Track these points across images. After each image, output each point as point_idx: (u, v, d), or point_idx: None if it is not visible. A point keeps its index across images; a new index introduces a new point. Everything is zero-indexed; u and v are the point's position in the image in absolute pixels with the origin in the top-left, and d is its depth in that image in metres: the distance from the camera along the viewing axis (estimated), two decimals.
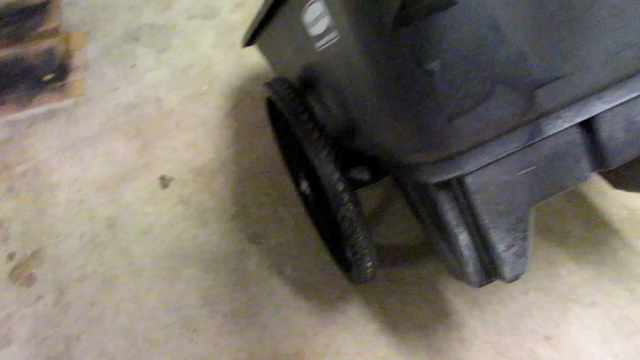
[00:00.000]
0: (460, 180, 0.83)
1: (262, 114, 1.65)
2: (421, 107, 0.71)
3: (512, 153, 0.82)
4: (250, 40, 1.45)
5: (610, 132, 0.85)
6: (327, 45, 0.88)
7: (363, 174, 1.08)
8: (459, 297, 1.26)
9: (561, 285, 1.26)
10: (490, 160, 0.81)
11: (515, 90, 0.73)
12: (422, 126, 0.74)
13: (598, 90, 0.82)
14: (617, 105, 0.84)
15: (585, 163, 0.87)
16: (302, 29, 0.97)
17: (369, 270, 1.07)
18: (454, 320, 1.23)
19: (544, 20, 0.69)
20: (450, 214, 0.86)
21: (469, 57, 0.68)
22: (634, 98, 0.84)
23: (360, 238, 1.01)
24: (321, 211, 1.31)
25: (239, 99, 1.76)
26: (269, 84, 1.12)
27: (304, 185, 1.25)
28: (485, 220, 0.84)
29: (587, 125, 0.85)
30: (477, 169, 0.81)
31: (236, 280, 1.35)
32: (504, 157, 0.82)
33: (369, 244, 1.03)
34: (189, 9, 2.11)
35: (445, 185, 0.84)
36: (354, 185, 1.03)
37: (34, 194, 1.58)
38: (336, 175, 0.97)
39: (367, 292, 1.29)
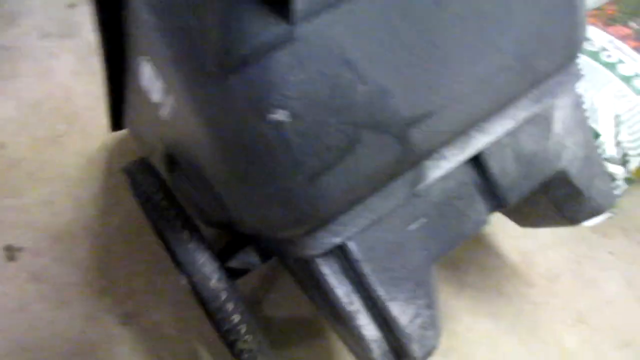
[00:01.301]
0: (343, 248, 0.70)
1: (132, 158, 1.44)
2: (275, 169, 0.59)
3: (398, 207, 0.72)
4: (115, 122, 1.24)
5: (501, 167, 0.78)
6: (169, 111, 0.73)
7: (250, 257, 0.94)
8: None
9: (459, 345, 1.22)
10: (373, 220, 0.70)
11: (385, 133, 0.62)
12: (281, 192, 0.61)
13: (479, 123, 0.73)
14: (502, 137, 0.76)
15: (481, 205, 0.79)
16: (144, 94, 0.80)
17: None
18: None
19: (404, 52, 0.60)
20: (340, 291, 0.73)
21: (323, 101, 0.56)
22: (519, 126, 0.77)
23: (248, 340, 0.87)
24: None
25: (105, 140, 1.52)
26: (127, 170, 0.93)
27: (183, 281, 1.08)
28: (380, 291, 0.72)
29: (476, 163, 0.77)
30: (359, 232, 0.70)
31: None
32: (388, 213, 0.71)
33: (258, 347, 0.89)
34: (42, 25, 1.80)
35: (328, 257, 0.72)
36: (238, 273, 0.90)
37: None
38: (211, 274, 0.81)
39: None
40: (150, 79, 0.71)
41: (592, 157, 0.87)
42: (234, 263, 0.93)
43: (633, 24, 1.48)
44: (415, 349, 0.73)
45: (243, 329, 0.85)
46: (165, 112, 0.74)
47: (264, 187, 0.61)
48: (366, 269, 0.70)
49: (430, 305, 0.75)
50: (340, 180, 0.61)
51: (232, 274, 0.90)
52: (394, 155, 0.63)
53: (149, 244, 1.33)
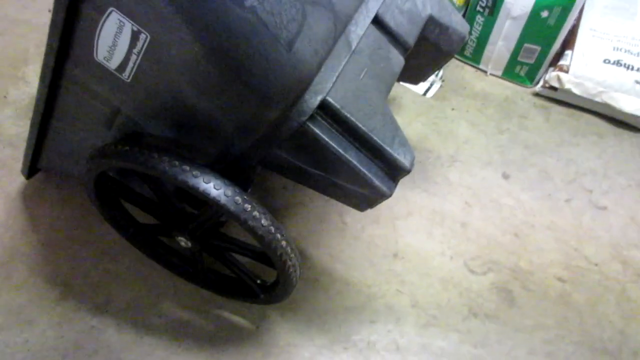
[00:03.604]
0: (324, 106, 0.89)
1: (28, 181, 1.42)
2: (261, 46, 0.76)
3: (346, 63, 0.93)
4: (32, 165, 1.27)
5: (394, 21, 1.05)
6: (137, 60, 0.83)
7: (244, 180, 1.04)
8: (322, 255, 1.39)
9: (383, 211, 1.50)
10: (336, 76, 0.91)
11: (318, 4, 0.85)
12: (272, 65, 0.78)
13: None
14: (384, 1, 1.04)
15: (395, 50, 1.06)
16: (100, 71, 0.88)
17: (299, 275, 1.08)
18: (324, 281, 1.36)
19: None
20: (334, 143, 0.91)
21: None
22: None
23: (286, 245, 0.99)
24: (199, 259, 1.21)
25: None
26: (101, 157, 0.97)
27: (184, 242, 1.13)
28: (362, 126, 0.92)
29: (379, 24, 1.03)
30: (331, 88, 0.89)
31: None
32: (343, 69, 0.92)
33: (294, 249, 1.03)
34: None
35: (315, 120, 0.90)
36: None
37: None
38: (231, 188, 0.91)
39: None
40: (112, 37, 0.79)
41: (443, 1, 1.20)
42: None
43: None
44: (403, 161, 0.96)
45: (289, 249, 0.99)
46: (128, 70, 0.84)
47: (258, 65, 0.76)
48: (346, 113, 0.90)
49: (398, 128, 0.98)
50: (306, 44, 0.81)
51: None
52: (330, 20, 0.86)
53: (88, 241, 1.36)
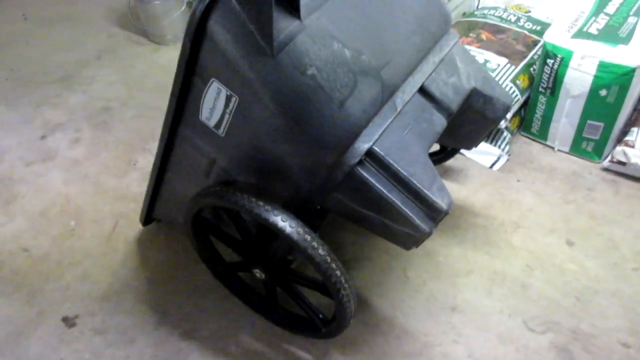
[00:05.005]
0: (371, 154, 1.08)
1: (143, 228, 1.74)
2: (318, 105, 0.99)
3: (392, 122, 1.13)
4: (148, 214, 1.60)
5: (440, 91, 1.26)
6: (229, 118, 1.09)
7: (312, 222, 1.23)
8: (383, 304, 1.51)
9: (444, 268, 1.61)
10: (382, 130, 1.11)
11: (368, 76, 1.07)
12: (326, 119, 1.00)
13: (416, 67, 1.22)
14: (432, 74, 1.25)
15: (438, 114, 1.26)
16: (203, 128, 1.16)
17: (353, 307, 1.22)
18: (384, 327, 1.47)
19: (362, 30, 1.09)
20: (380, 185, 1.09)
21: (330, 60, 1.01)
22: (437, 66, 1.27)
23: (340, 275, 1.15)
24: (273, 293, 1.40)
25: (115, 221, 1.81)
26: (200, 196, 1.22)
27: (259, 273, 1.33)
28: (404, 172, 1.09)
29: (425, 91, 1.24)
30: (377, 139, 1.09)
31: None
32: (388, 126, 1.12)
33: (348, 280, 1.18)
34: (23, 156, 2.09)
35: (364, 166, 1.09)
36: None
37: None
38: (301, 227, 1.11)
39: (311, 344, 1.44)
40: (212, 102, 1.08)
41: (487, 76, 1.41)
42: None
43: (471, 34, 2.14)
44: (441, 203, 1.11)
45: (343, 279, 1.16)
46: (223, 127, 1.11)
47: (315, 119, 0.99)
48: (390, 160, 1.09)
49: (437, 175, 1.15)
50: (356, 105, 1.03)
51: None
52: (377, 88, 1.09)
53: (183, 279, 1.61)
